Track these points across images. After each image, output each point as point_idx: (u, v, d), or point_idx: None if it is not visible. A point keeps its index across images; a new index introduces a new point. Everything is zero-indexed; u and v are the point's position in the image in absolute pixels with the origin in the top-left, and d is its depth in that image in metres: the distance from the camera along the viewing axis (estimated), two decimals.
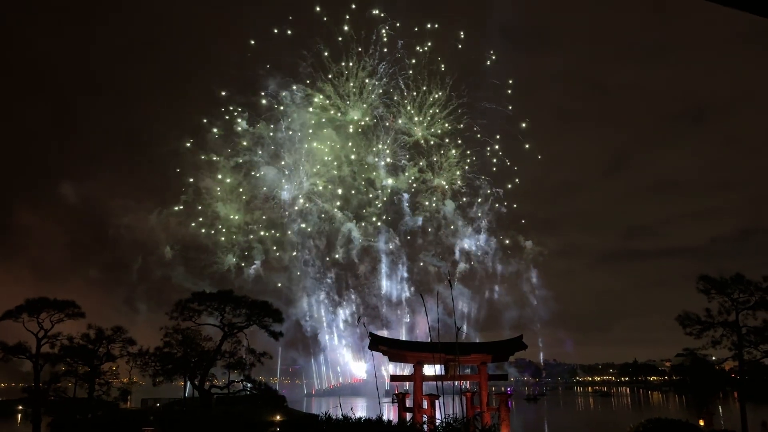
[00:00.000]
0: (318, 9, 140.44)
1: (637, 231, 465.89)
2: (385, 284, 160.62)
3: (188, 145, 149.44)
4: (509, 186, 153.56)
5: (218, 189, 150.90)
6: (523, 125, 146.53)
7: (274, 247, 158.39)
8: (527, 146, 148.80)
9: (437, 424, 20.49)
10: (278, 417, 65.28)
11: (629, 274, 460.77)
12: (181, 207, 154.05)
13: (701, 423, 50.19)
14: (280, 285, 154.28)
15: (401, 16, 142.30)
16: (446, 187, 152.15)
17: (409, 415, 43.01)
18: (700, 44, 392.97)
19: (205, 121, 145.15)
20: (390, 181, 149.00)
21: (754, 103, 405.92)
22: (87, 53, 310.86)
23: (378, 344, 45.50)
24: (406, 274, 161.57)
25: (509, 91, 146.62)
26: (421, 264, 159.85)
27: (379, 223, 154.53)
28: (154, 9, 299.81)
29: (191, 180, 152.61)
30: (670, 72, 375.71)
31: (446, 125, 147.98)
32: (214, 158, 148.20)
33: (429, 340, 37.27)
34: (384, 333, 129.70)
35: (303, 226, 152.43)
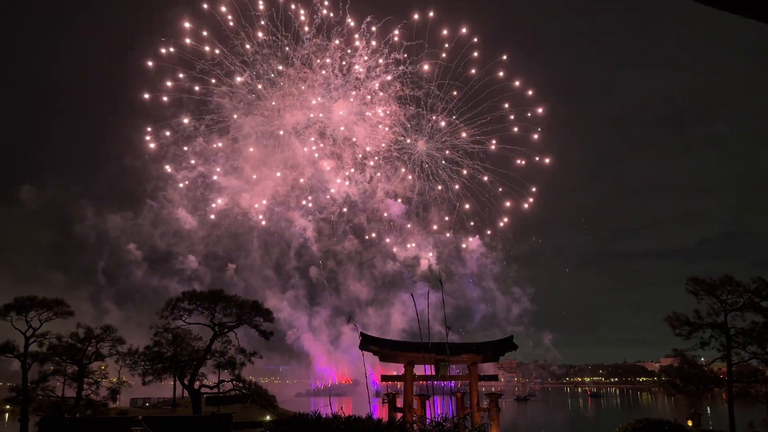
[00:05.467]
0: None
1: (624, 233, 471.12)
2: (354, 286, 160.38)
3: (146, 157, 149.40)
4: (456, 187, 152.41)
5: (178, 199, 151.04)
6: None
7: (239, 251, 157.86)
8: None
9: (427, 424, 20.51)
10: (268, 417, 65.07)
11: (616, 275, 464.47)
12: (145, 213, 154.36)
13: (690, 423, 50.45)
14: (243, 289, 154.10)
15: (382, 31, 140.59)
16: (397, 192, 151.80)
17: (399, 416, 42.98)
18: (681, 51, 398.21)
19: (148, 132, 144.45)
20: (347, 184, 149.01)
21: (731, 108, 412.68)
22: (52, 57, 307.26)
23: (369, 344, 45.40)
24: (372, 275, 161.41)
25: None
26: (388, 264, 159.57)
27: (338, 225, 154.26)
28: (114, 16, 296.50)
29: (152, 189, 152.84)
30: (652, 78, 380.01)
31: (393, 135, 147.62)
32: (170, 169, 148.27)
33: (420, 340, 37.28)
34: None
35: (264, 230, 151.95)
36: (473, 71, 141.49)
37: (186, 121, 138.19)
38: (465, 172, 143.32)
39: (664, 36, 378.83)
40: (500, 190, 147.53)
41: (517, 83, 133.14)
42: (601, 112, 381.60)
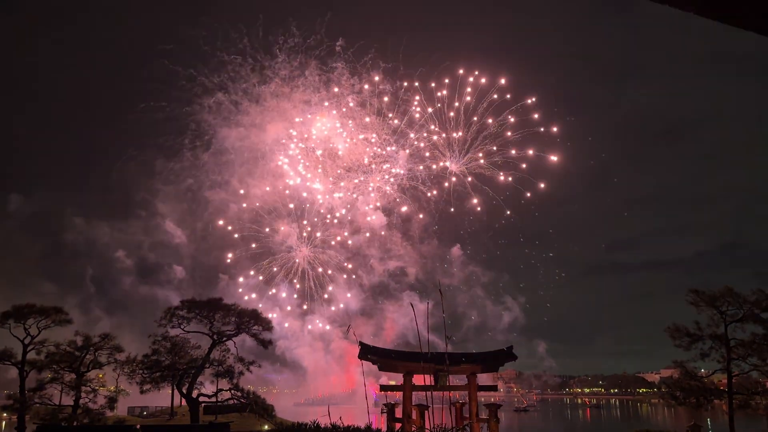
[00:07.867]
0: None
1: (621, 244, 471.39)
2: (344, 296, 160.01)
3: (133, 166, 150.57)
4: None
5: (167, 211, 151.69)
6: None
7: (227, 261, 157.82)
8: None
9: None
10: (266, 426, 64.77)
11: (615, 286, 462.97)
12: (134, 223, 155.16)
13: None
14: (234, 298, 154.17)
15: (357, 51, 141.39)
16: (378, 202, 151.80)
17: (398, 426, 42.79)
18: (678, 62, 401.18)
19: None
20: (328, 196, 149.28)
21: (729, 118, 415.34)
22: (42, 67, 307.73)
23: (367, 353, 45.24)
24: (361, 286, 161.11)
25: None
26: (378, 274, 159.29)
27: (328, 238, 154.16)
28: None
29: (142, 200, 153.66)
30: (650, 90, 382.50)
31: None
32: (161, 185, 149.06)
33: (414, 350, 37.18)
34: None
35: (251, 240, 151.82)
36: (472, 97, 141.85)
37: (172, 138, 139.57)
38: (446, 184, 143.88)
39: (661, 48, 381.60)
40: (475, 202, 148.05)
41: (514, 100, 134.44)
42: (598, 125, 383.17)
